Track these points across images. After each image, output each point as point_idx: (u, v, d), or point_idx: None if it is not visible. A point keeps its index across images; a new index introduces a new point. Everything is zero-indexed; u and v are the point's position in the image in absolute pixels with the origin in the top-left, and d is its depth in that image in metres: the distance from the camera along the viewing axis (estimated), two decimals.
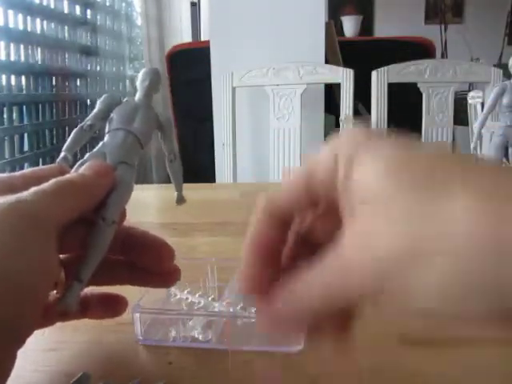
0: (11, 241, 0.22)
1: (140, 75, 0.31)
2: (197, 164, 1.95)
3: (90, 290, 0.31)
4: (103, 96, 0.31)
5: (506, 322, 0.15)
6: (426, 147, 0.19)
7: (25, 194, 0.23)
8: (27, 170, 0.28)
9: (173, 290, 0.38)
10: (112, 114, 0.30)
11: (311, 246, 0.22)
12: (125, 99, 0.31)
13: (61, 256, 0.28)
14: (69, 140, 0.29)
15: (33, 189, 0.24)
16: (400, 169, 0.18)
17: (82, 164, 0.28)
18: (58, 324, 0.31)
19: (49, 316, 0.29)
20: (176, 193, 0.32)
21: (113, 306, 0.31)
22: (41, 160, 1.88)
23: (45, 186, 0.24)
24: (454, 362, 0.30)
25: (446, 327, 0.18)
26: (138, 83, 0.31)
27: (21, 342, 0.24)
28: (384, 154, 0.19)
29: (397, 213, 0.17)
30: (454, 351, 0.31)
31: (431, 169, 0.18)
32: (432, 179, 0.17)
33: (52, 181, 0.25)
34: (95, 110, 0.30)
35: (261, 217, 0.22)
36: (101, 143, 0.29)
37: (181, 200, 0.32)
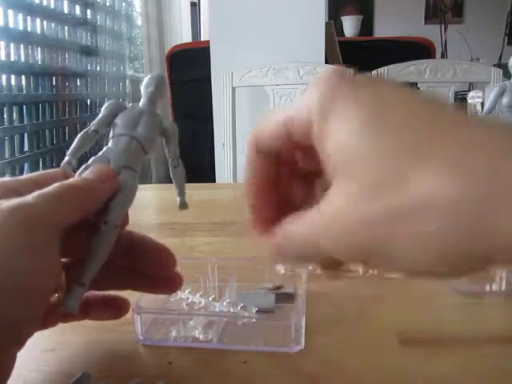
0: (14, 243, 0.22)
1: (145, 81, 0.32)
2: (197, 164, 1.95)
3: (92, 291, 0.31)
4: (108, 102, 0.31)
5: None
6: (411, 96, 0.19)
7: (29, 197, 0.24)
8: (32, 174, 0.28)
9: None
10: (116, 120, 0.30)
11: (304, 176, 0.24)
12: (129, 105, 0.31)
13: (63, 259, 0.28)
14: (73, 145, 0.29)
15: (36, 192, 0.24)
16: (377, 129, 0.18)
17: (85, 168, 0.28)
18: (59, 324, 0.31)
19: (50, 318, 0.29)
20: (179, 198, 0.33)
21: (114, 308, 0.32)
22: (41, 160, 1.88)
23: (48, 189, 0.25)
24: (454, 361, 0.30)
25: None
26: (142, 89, 0.31)
27: (21, 343, 0.24)
28: (360, 108, 0.18)
29: (374, 180, 0.17)
30: (452, 351, 0.31)
31: (411, 132, 0.17)
32: (410, 147, 0.17)
33: (56, 184, 0.25)
34: (100, 116, 0.30)
35: (250, 154, 0.23)
36: (105, 148, 0.29)
37: (184, 205, 0.33)
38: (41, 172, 0.28)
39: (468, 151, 0.16)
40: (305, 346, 0.31)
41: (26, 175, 0.28)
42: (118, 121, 0.30)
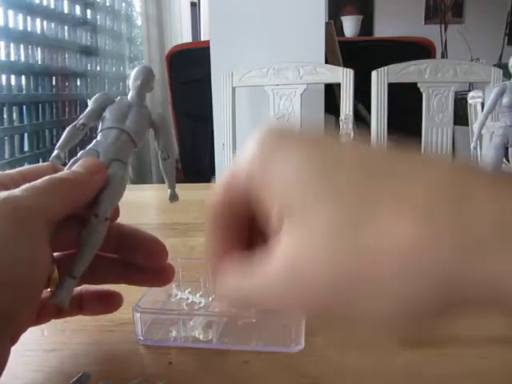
0: (2, 234, 0.22)
1: (132, 74, 0.32)
2: (197, 164, 1.95)
3: (85, 286, 0.31)
4: (96, 95, 0.31)
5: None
6: (358, 147, 0.17)
7: (17, 190, 0.24)
8: (20, 168, 0.28)
9: (174, 290, 0.38)
10: (105, 113, 0.30)
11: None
12: (118, 98, 0.31)
13: (54, 253, 0.28)
14: (62, 138, 0.29)
15: (25, 185, 0.24)
16: (328, 167, 0.16)
17: (74, 162, 0.28)
18: (59, 325, 0.31)
19: (43, 313, 0.29)
20: (169, 190, 0.33)
21: (107, 302, 0.32)
22: (41, 160, 1.87)
23: (37, 182, 0.25)
24: (453, 361, 0.30)
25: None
26: (130, 82, 0.32)
27: (15, 338, 0.24)
28: (308, 147, 0.17)
29: (321, 232, 0.15)
30: (452, 351, 0.31)
31: (357, 176, 0.16)
32: (357, 191, 0.15)
33: (44, 178, 0.25)
34: (88, 109, 0.30)
35: (211, 222, 0.21)
36: (94, 141, 0.29)
37: (174, 197, 0.33)
38: (29, 166, 0.28)
39: (427, 191, 0.15)
40: (305, 345, 0.31)
41: (15, 169, 0.28)
42: (107, 114, 0.30)
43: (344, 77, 1.30)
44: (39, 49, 1.86)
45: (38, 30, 1.85)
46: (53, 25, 1.95)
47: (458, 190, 0.15)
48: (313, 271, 0.15)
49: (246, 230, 0.21)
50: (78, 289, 0.31)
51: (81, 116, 0.30)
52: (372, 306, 0.15)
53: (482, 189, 0.14)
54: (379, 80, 1.27)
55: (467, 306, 0.15)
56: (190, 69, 1.84)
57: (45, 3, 1.90)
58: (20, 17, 1.73)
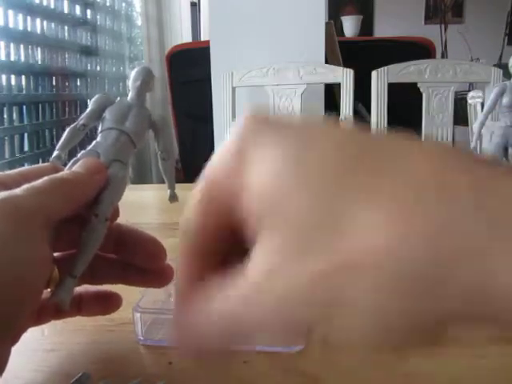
0: (2, 234, 0.22)
1: (132, 74, 0.32)
2: (197, 164, 1.95)
3: (84, 287, 0.31)
4: (96, 96, 0.31)
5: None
6: (340, 132, 0.16)
7: (17, 190, 0.24)
8: (21, 168, 0.28)
9: (173, 289, 0.38)
10: (105, 114, 0.30)
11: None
12: (117, 99, 0.31)
13: (54, 253, 0.28)
14: (62, 139, 0.30)
15: (25, 185, 0.24)
16: (304, 166, 0.15)
17: (75, 162, 0.28)
18: (58, 325, 0.31)
19: (43, 313, 0.29)
20: (169, 190, 0.33)
21: (106, 303, 0.31)
22: (41, 160, 1.87)
23: (37, 182, 0.25)
24: (453, 361, 0.30)
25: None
26: (130, 83, 0.32)
27: (15, 338, 0.24)
28: (283, 148, 0.15)
29: (295, 243, 0.14)
30: (452, 351, 0.31)
31: (343, 166, 0.14)
32: (333, 194, 0.14)
33: (45, 178, 0.25)
34: (88, 110, 0.31)
35: (185, 256, 0.19)
36: (94, 142, 0.30)
37: (173, 198, 0.33)
38: (30, 166, 0.29)
39: (411, 188, 0.13)
40: (305, 346, 0.31)
41: (15, 169, 0.28)
42: (107, 115, 0.30)
43: (344, 77, 1.30)
44: (39, 49, 1.86)
45: (38, 30, 1.85)
46: (53, 25, 1.95)
47: (438, 186, 0.13)
48: (287, 285, 0.14)
49: (226, 246, 0.18)
50: (77, 289, 0.31)
51: (81, 117, 0.30)
52: (346, 322, 0.14)
53: (463, 186, 0.13)
54: (379, 80, 1.27)
55: (456, 319, 0.13)
56: (190, 69, 1.84)
57: (45, 3, 1.90)
58: (20, 17, 1.73)
